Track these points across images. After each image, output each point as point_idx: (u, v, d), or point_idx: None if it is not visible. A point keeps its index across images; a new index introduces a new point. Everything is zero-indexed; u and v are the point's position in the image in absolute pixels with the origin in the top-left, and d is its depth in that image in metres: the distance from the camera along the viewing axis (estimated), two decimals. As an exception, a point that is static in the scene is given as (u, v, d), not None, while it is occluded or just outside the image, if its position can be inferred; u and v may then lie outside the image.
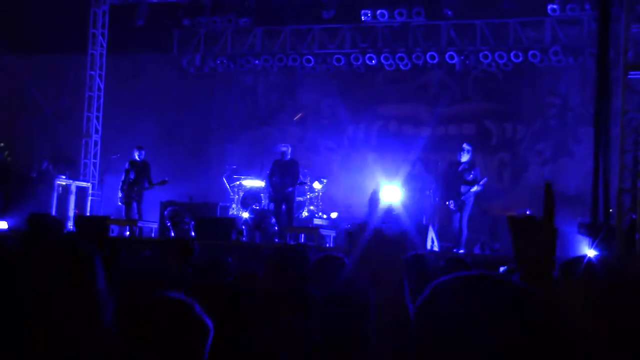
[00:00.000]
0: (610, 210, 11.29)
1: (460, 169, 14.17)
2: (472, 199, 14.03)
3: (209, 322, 2.14)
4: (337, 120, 18.96)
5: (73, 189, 17.80)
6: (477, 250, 14.85)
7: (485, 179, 14.27)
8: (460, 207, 13.78)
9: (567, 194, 15.66)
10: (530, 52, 17.15)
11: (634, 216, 11.36)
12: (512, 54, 17.30)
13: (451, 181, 14.20)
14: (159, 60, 20.25)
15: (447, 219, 14.97)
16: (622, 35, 11.89)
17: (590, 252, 10.80)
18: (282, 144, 15.73)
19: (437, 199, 15.41)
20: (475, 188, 13.95)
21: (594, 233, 10.89)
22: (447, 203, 14.07)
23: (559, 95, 17.85)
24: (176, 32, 19.63)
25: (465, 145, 14.29)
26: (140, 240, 14.29)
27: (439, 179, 15.66)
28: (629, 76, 11.78)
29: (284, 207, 15.15)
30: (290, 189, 15.10)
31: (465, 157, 14.14)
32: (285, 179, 15.10)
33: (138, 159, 15.99)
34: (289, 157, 15.36)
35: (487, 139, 18.17)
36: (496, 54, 17.45)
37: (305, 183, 16.24)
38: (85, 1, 19.03)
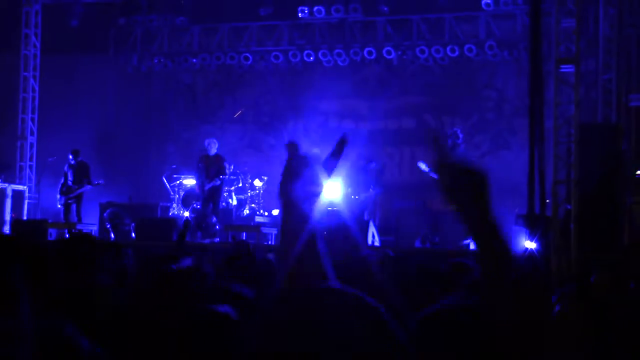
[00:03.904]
0: (547, 201, 11.54)
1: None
2: None
3: None
4: (277, 117, 18.95)
5: (9, 192, 17.44)
6: (417, 244, 14.96)
7: None
8: None
9: (506, 185, 15.90)
10: (466, 47, 17.36)
11: (568, 207, 11.61)
12: (448, 49, 17.49)
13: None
14: (95, 60, 19.93)
15: (387, 214, 15.11)
16: (553, 30, 12.14)
17: (529, 244, 10.97)
18: (208, 139, 15.47)
19: (377, 193, 15.49)
20: None
21: (531, 224, 11.09)
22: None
23: (495, 89, 18.12)
24: (112, 32, 19.37)
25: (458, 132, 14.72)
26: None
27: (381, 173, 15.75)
28: (561, 69, 12.04)
29: (210, 205, 14.89)
30: (212, 184, 14.84)
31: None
32: (209, 176, 14.87)
33: (74, 162, 15.77)
34: (215, 152, 15.11)
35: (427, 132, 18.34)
36: (433, 49, 17.62)
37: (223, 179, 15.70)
38: (17, 0, 18.63)
